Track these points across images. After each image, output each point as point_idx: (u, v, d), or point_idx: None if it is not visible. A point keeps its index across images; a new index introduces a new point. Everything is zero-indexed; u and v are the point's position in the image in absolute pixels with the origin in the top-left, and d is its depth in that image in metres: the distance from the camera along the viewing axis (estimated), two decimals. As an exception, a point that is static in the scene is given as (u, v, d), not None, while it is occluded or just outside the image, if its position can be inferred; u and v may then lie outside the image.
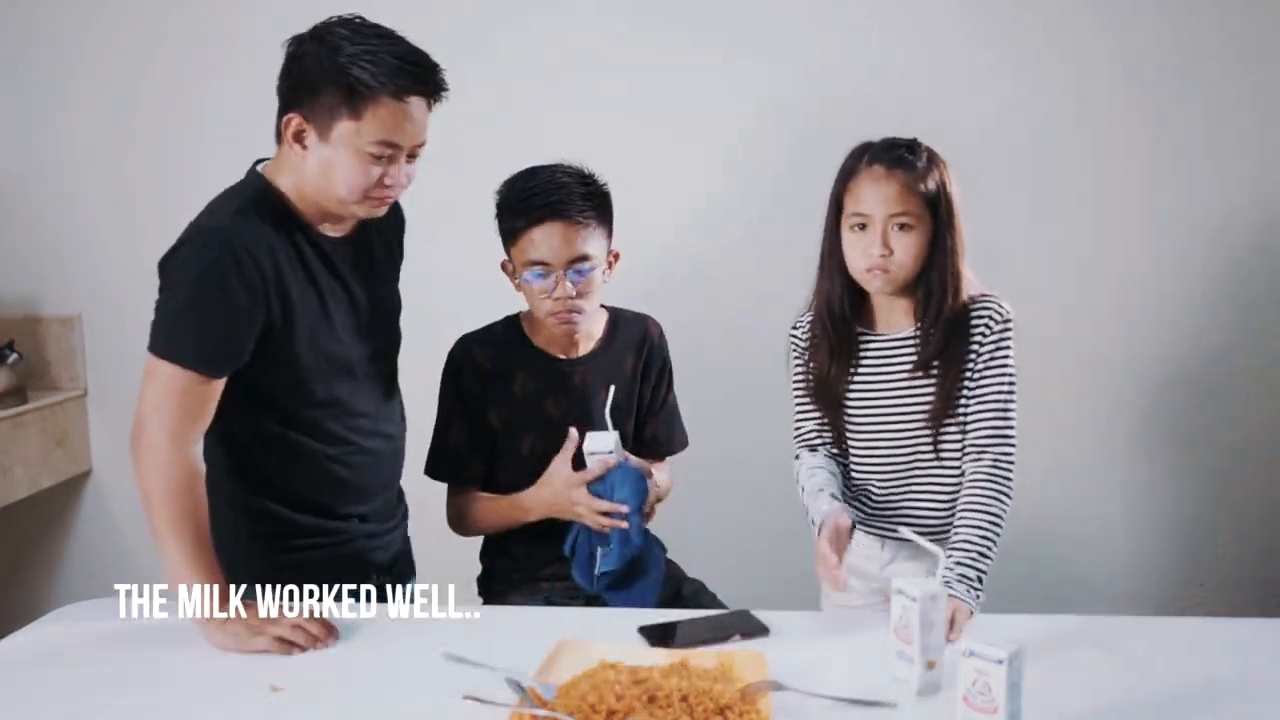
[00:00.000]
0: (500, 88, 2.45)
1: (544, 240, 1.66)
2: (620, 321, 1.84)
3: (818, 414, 1.71)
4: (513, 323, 1.81)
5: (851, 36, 2.38)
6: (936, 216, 1.58)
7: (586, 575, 1.69)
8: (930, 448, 1.63)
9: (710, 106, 2.42)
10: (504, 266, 1.77)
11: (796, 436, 1.75)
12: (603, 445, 1.66)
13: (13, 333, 2.59)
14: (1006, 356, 1.60)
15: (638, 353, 1.82)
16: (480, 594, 1.87)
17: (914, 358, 1.62)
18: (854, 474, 1.71)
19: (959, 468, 1.62)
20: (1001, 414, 1.58)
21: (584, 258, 1.66)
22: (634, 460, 1.71)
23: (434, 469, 1.81)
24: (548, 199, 1.65)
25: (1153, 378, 2.40)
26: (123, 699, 1.28)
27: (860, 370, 1.66)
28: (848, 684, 1.25)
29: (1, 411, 2.41)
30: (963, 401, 1.61)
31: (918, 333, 1.63)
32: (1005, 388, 1.59)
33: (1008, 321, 1.61)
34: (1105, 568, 2.51)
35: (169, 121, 2.54)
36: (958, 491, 1.61)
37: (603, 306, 1.82)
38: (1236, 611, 2.46)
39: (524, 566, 1.80)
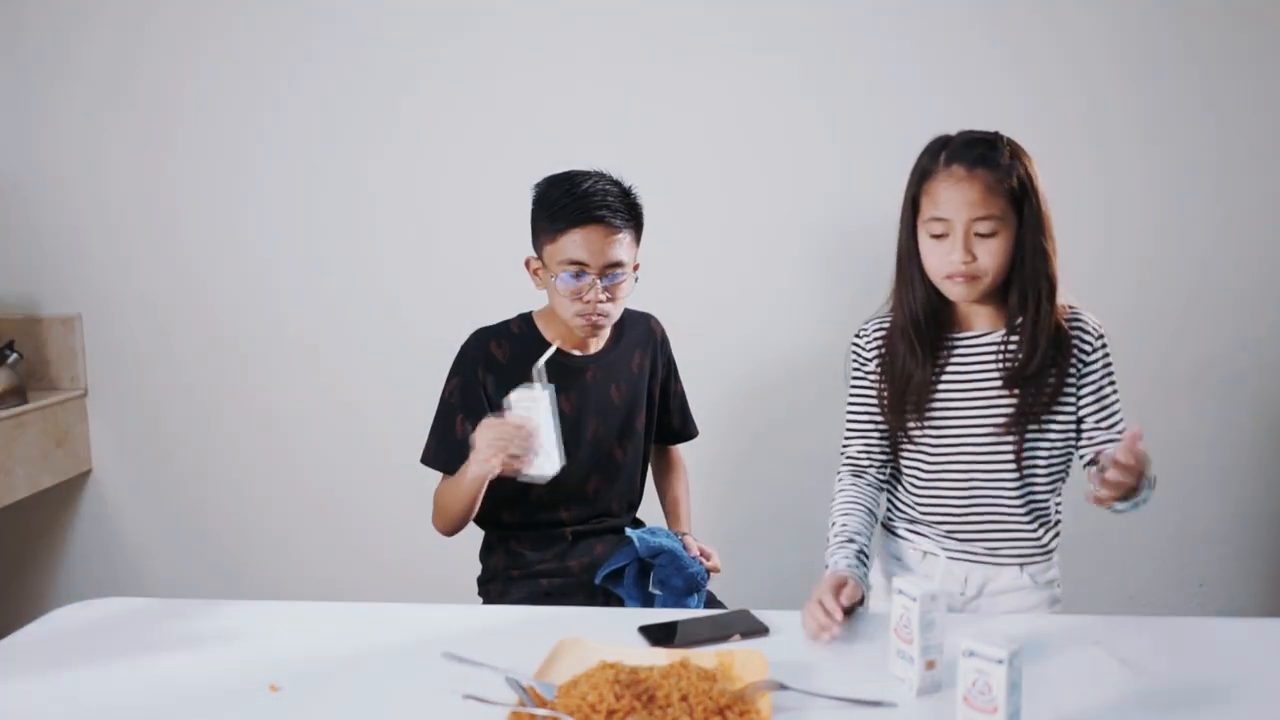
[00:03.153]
0: (505, 90, 2.45)
1: (585, 243, 1.67)
2: (626, 320, 1.87)
3: (873, 433, 1.62)
4: (526, 319, 1.82)
5: (853, 36, 2.38)
6: (1022, 216, 1.48)
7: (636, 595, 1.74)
8: (1013, 462, 1.54)
9: (710, 105, 2.42)
10: (528, 263, 1.78)
11: (844, 454, 1.66)
12: (524, 396, 1.57)
13: (13, 333, 2.59)
14: (1112, 372, 1.57)
15: (643, 350, 1.87)
16: (480, 594, 1.88)
17: (1003, 364, 1.53)
18: (925, 492, 1.60)
19: (1046, 489, 1.57)
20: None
21: (619, 264, 1.70)
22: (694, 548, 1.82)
23: (436, 457, 1.78)
24: (592, 204, 1.68)
25: (1153, 378, 2.40)
26: (123, 699, 1.28)
27: (945, 375, 1.56)
28: (848, 684, 1.25)
29: (1, 411, 2.41)
30: (1074, 417, 1.55)
31: (1005, 339, 1.54)
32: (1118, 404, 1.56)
33: (1103, 338, 1.57)
34: (1105, 568, 2.51)
35: (169, 122, 2.55)
36: (1043, 516, 1.57)
37: None
38: (1236, 611, 2.46)
39: (524, 565, 1.81)
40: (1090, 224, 2.38)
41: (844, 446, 1.66)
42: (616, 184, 1.73)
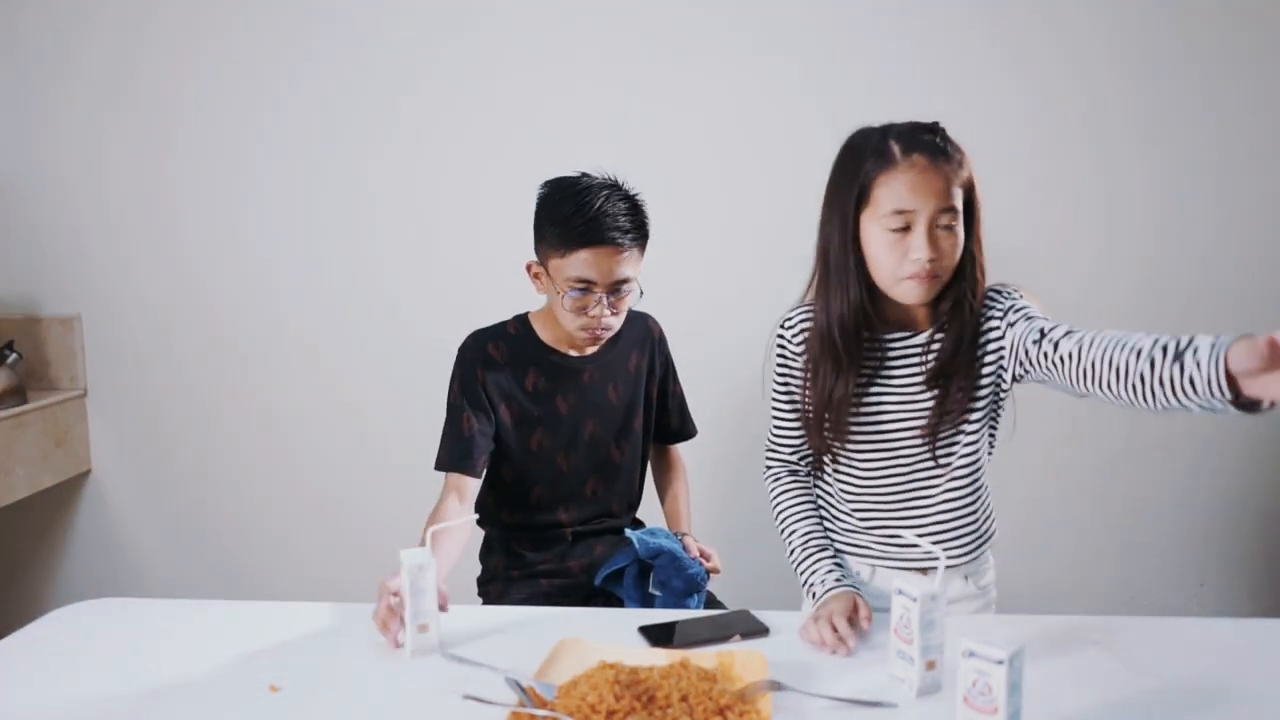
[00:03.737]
0: (505, 90, 2.45)
1: (594, 263, 1.65)
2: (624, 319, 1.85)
3: (800, 432, 1.57)
4: (523, 321, 1.82)
5: (853, 36, 2.38)
6: (967, 208, 1.43)
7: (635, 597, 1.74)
8: (930, 459, 1.50)
9: (710, 105, 2.42)
10: (529, 267, 1.76)
11: (771, 454, 1.61)
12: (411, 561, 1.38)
13: (13, 333, 2.59)
14: (1027, 307, 1.46)
15: (640, 351, 1.87)
16: (480, 594, 1.87)
17: (925, 363, 1.47)
18: (851, 496, 1.55)
19: (966, 481, 1.51)
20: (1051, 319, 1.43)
21: (625, 280, 1.69)
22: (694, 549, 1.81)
23: (448, 458, 1.74)
24: (604, 226, 1.64)
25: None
26: (123, 699, 1.27)
27: (866, 381, 1.50)
28: (848, 684, 1.25)
29: (1, 411, 2.41)
30: (989, 400, 1.49)
31: (931, 337, 1.48)
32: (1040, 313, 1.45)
33: (1004, 291, 1.49)
34: (1105, 568, 2.51)
35: (169, 122, 2.55)
36: (967, 509, 1.52)
37: None
38: (1236, 611, 2.46)
39: (524, 565, 1.81)
40: (1090, 224, 2.38)
41: (772, 449, 1.61)
42: (627, 198, 1.70)
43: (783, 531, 1.56)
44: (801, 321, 1.55)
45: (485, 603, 1.85)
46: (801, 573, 1.51)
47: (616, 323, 1.73)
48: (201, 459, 2.66)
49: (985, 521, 1.57)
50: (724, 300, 2.48)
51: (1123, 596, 2.51)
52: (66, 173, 2.59)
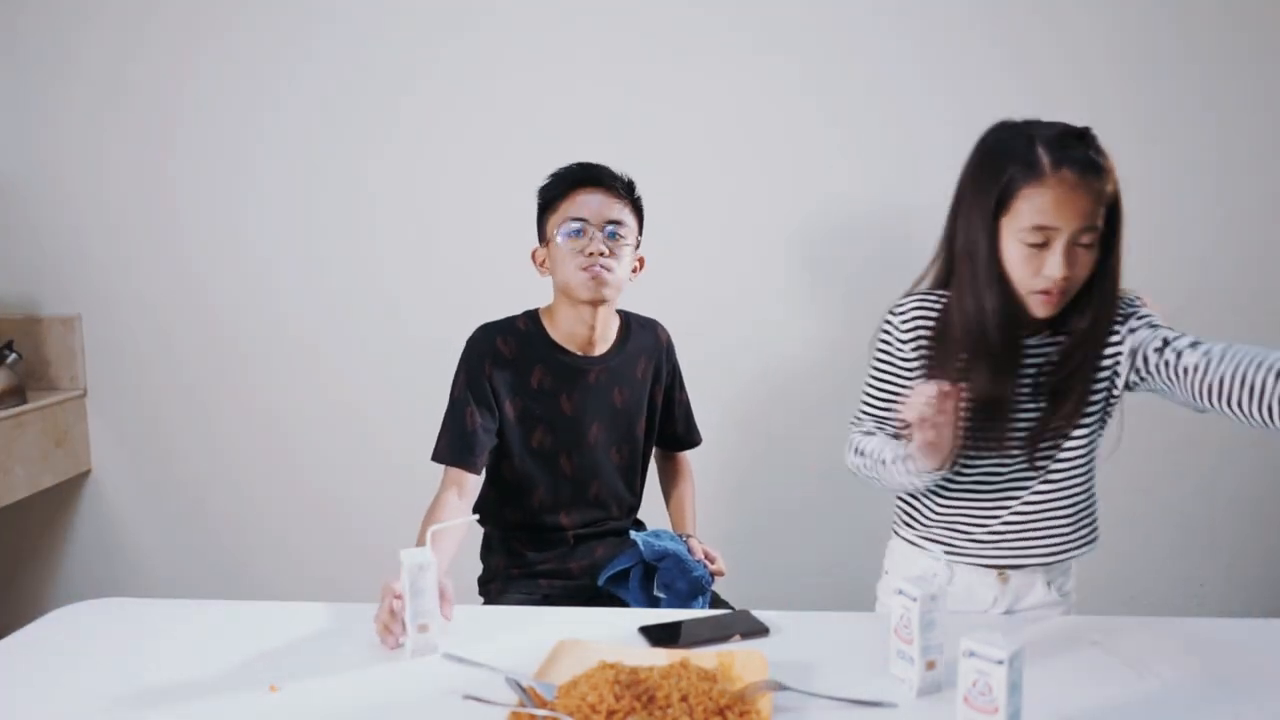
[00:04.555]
0: (505, 90, 2.45)
1: (584, 201, 1.74)
2: (632, 324, 1.88)
3: (883, 418, 1.51)
4: (533, 316, 1.82)
5: (853, 36, 2.38)
6: (1109, 222, 1.37)
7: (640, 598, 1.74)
8: (1026, 465, 1.46)
9: (710, 105, 2.42)
10: (534, 255, 1.81)
11: (855, 426, 1.56)
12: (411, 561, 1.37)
13: (13, 333, 2.59)
14: (1150, 315, 1.44)
15: (648, 357, 1.87)
16: (480, 593, 1.88)
17: (1039, 372, 1.42)
18: (952, 496, 1.51)
19: (1063, 484, 1.48)
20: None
21: (619, 222, 1.74)
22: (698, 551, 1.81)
23: (448, 451, 1.73)
24: (592, 170, 1.77)
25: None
26: (123, 699, 1.27)
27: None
28: (848, 684, 1.25)
29: (1, 411, 2.41)
30: (1103, 407, 1.46)
31: (1046, 340, 1.43)
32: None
33: (1135, 304, 1.45)
34: (1105, 568, 2.50)
35: (169, 122, 2.55)
36: (1059, 512, 1.49)
37: (616, 311, 1.85)
38: (1236, 611, 2.46)
39: (524, 565, 1.81)
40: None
41: (857, 422, 1.55)
42: (620, 173, 1.80)
43: (869, 455, 1.48)
44: (915, 312, 1.49)
45: (486, 602, 1.85)
46: (900, 455, 1.43)
47: (616, 268, 1.73)
48: (201, 459, 2.66)
49: (1082, 528, 1.52)
50: (724, 300, 2.48)
51: (1123, 596, 2.51)
52: (66, 173, 2.59)
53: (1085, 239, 1.35)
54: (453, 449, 1.74)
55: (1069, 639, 1.38)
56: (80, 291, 2.63)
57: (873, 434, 1.52)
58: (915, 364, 1.48)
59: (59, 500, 2.70)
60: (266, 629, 1.47)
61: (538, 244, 1.81)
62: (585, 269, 1.71)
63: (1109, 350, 1.45)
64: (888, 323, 1.51)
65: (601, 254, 1.71)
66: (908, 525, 1.59)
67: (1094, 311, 1.40)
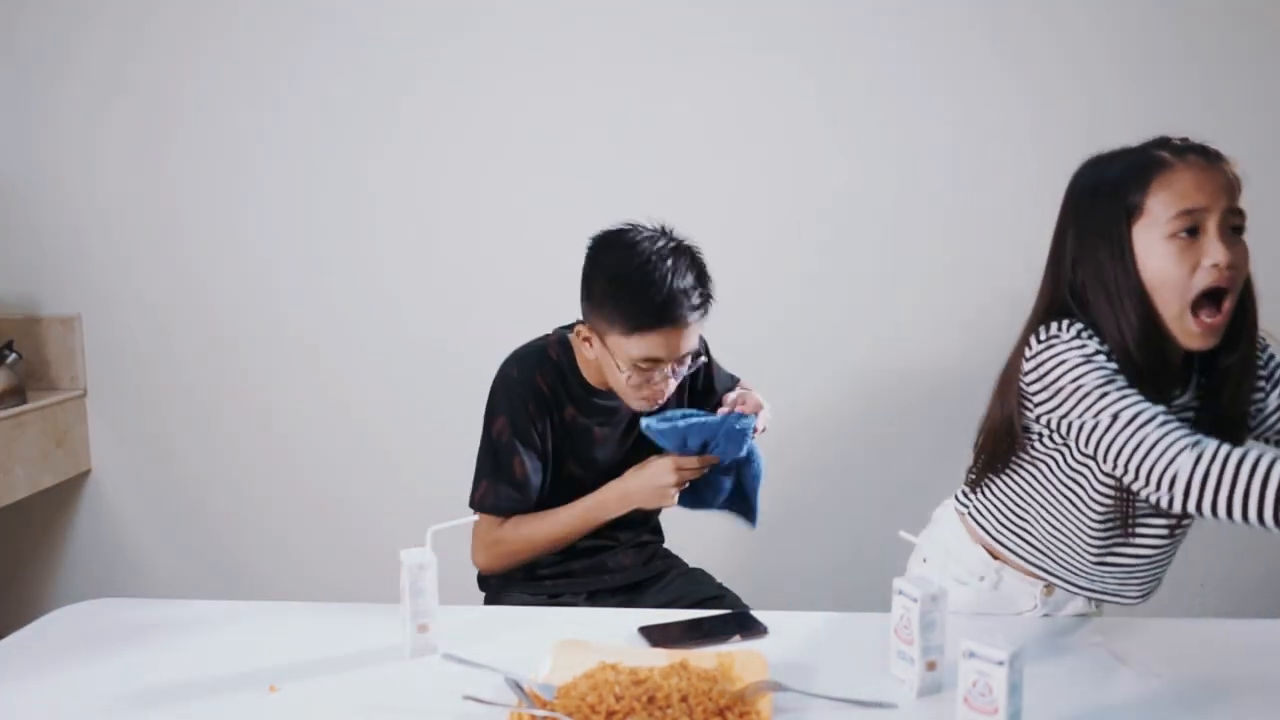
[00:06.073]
0: (505, 90, 2.45)
1: (663, 344, 1.57)
2: None
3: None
4: (565, 347, 1.72)
5: (853, 36, 2.38)
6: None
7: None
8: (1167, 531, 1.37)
9: (711, 105, 2.42)
10: (579, 333, 1.65)
11: (1161, 424, 1.23)
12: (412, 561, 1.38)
13: (13, 333, 2.59)
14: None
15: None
16: (481, 589, 1.87)
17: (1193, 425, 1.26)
18: (1062, 529, 1.41)
19: (1183, 536, 1.42)
20: None
21: (689, 354, 1.63)
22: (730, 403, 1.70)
23: (500, 502, 1.68)
24: (676, 306, 1.55)
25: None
26: (122, 699, 1.27)
27: None
28: (848, 685, 1.25)
29: (1, 411, 2.41)
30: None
31: (1198, 398, 1.30)
32: None
33: (1265, 340, 1.33)
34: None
35: (169, 122, 2.55)
36: (1169, 561, 1.44)
37: None
38: (1236, 611, 2.46)
39: (528, 569, 1.80)
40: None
41: (1153, 422, 1.21)
42: (693, 262, 1.60)
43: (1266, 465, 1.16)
44: (1088, 334, 1.28)
45: (486, 598, 1.84)
46: None
47: (675, 384, 1.66)
48: (201, 459, 2.66)
49: (1162, 574, 1.48)
50: (725, 301, 2.47)
51: (1123, 596, 2.51)
52: (66, 173, 2.59)
53: (1236, 221, 1.23)
54: (505, 501, 1.67)
55: (1070, 639, 1.38)
56: (80, 291, 2.62)
57: (1200, 440, 1.20)
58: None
59: (59, 500, 2.70)
60: (266, 629, 1.47)
61: (582, 318, 1.64)
62: (645, 400, 1.64)
63: (1251, 406, 1.33)
64: (1069, 340, 1.27)
65: (668, 383, 1.62)
66: (979, 521, 1.51)
67: (1245, 347, 1.25)
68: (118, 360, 2.64)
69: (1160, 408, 1.22)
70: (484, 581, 1.87)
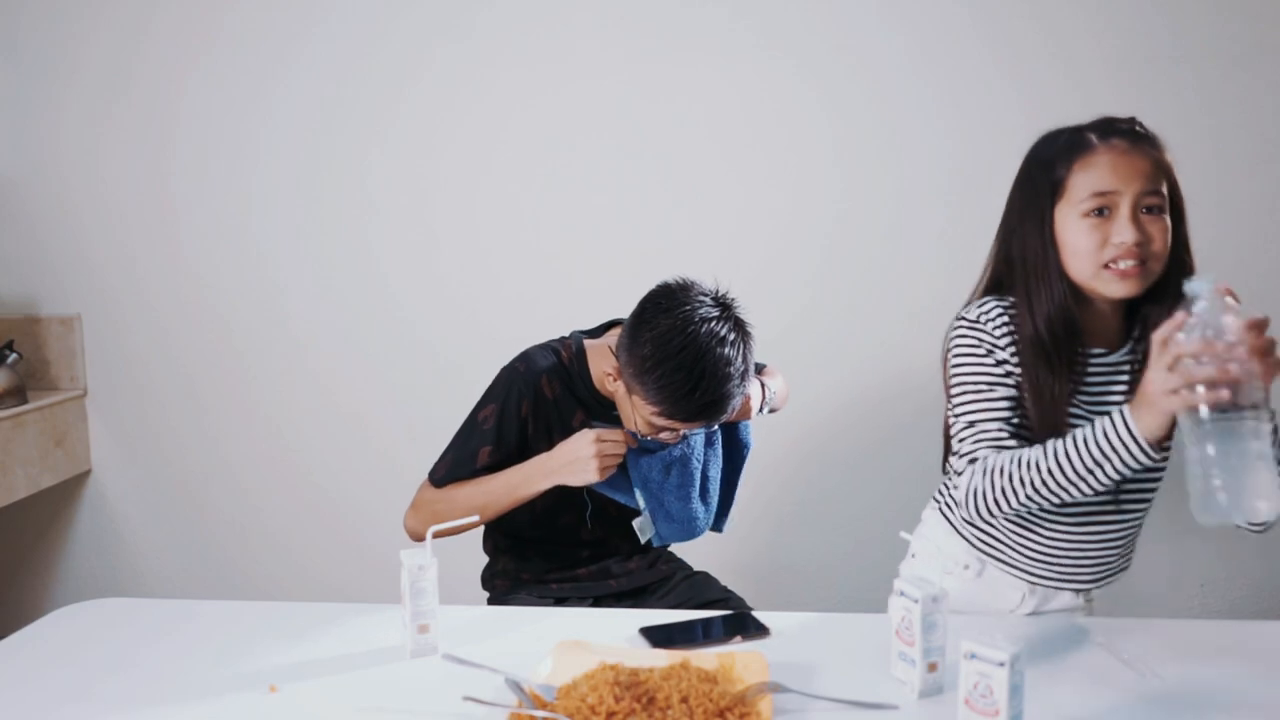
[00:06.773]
0: (505, 89, 2.45)
1: (696, 425, 1.62)
2: None
3: (1011, 412, 1.34)
4: (580, 356, 1.72)
5: (853, 37, 2.38)
6: (1173, 207, 1.32)
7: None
8: (1111, 502, 1.40)
9: (711, 105, 2.42)
10: (609, 373, 1.65)
11: (977, 440, 1.35)
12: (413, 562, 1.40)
13: (13, 333, 2.59)
14: None
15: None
16: (485, 587, 1.87)
17: (1123, 387, 1.35)
18: (1027, 528, 1.45)
19: (1142, 516, 1.44)
20: None
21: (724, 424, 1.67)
22: None
23: (449, 477, 1.70)
24: (712, 415, 1.57)
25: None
26: (123, 699, 1.27)
27: (1078, 397, 1.36)
28: (849, 686, 1.25)
29: (1, 411, 2.41)
30: None
31: (1131, 357, 1.36)
32: None
33: None
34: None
35: (169, 122, 2.55)
36: (1133, 541, 1.46)
37: None
38: (1236, 611, 2.46)
39: (533, 571, 1.80)
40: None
41: (973, 435, 1.34)
42: (744, 351, 1.56)
43: (1030, 466, 1.28)
44: (1000, 317, 1.36)
45: (491, 597, 1.84)
46: (1089, 444, 1.26)
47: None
48: (201, 459, 2.66)
49: (1129, 554, 1.51)
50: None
51: (1123, 597, 2.50)
52: (66, 173, 2.58)
53: (1151, 201, 1.29)
54: (451, 477, 1.69)
55: (1070, 640, 1.38)
56: (80, 291, 2.62)
57: (1001, 450, 1.32)
58: (1015, 365, 1.35)
59: (59, 500, 2.70)
60: (266, 629, 1.47)
61: (615, 355, 1.62)
62: (663, 436, 1.65)
63: None
64: (973, 329, 1.38)
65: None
66: (947, 514, 1.55)
67: (1172, 302, 1.26)
68: (118, 360, 2.64)
69: (1006, 432, 1.34)
70: (488, 578, 1.86)
